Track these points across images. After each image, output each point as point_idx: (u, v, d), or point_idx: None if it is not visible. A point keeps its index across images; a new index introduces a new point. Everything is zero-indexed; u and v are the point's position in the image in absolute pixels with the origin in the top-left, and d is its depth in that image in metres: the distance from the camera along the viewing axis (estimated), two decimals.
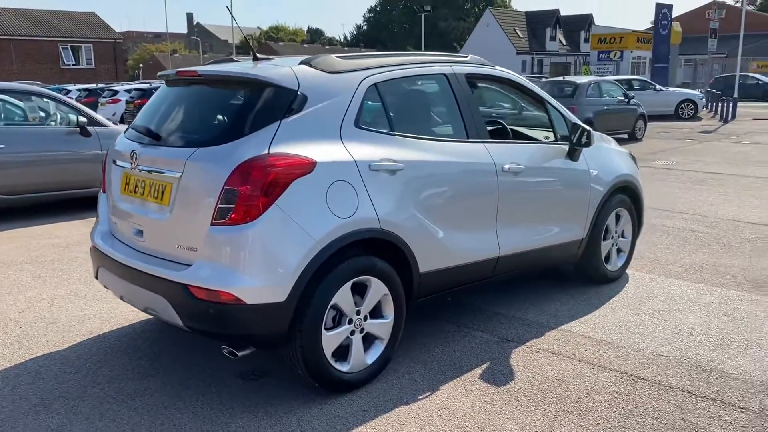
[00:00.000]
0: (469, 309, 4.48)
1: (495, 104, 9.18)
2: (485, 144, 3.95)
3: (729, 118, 21.51)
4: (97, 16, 48.05)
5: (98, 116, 8.19)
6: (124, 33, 78.71)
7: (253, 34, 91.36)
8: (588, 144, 4.42)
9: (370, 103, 3.45)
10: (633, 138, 16.07)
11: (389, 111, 3.55)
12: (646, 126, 16.62)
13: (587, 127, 4.44)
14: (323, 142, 3.16)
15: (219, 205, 2.91)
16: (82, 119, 7.75)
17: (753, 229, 6.79)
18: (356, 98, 3.36)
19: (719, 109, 22.20)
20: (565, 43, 56.00)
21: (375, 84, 3.49)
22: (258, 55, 3.70)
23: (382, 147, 3.37)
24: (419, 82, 4.00)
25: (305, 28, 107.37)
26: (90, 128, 7.80)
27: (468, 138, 3.88)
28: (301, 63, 3.38)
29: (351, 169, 3.17)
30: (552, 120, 4.58)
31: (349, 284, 3.17)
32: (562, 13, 55.88)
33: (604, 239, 4.93)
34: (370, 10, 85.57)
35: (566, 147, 4.51)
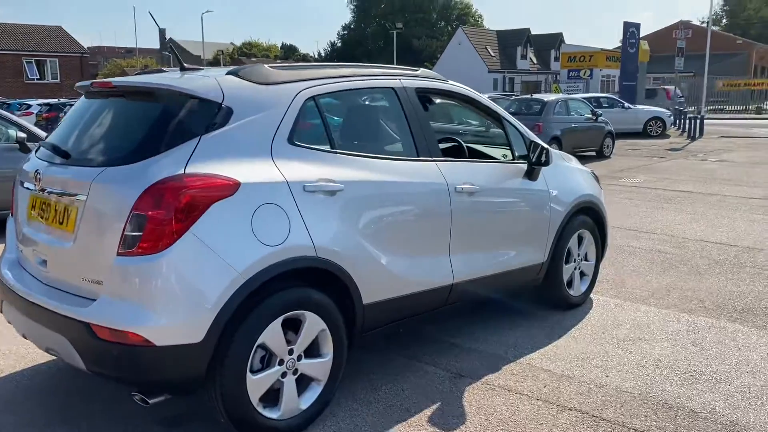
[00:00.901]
0: (423, 339, 4.17)
1: (463, 121, 8.98)
2: (437, 163, 3.66)
3: (696, 135, 21.66)
4: (63, 30, 47.21)
5: (39, 131, 7.74)
6: (95, 48, 77.63)
7: (226, 49, 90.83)
8: (546, 163, 4.16)
9: (307, 117, 3.15)
10: (601, 156, 16.01)
11: (329, 127, 3.24)
12: (614, 144, 16.59)
13: (546, 146, 4.19)
14: (250, 160, 2.84)
15: (126, 233, 2.56)
16: (21, 135, 7.29)
17: (721, 250, 6.60)
18: (291, 112, 3.05)
19: (687, 126, 22.37)
20: (535, 62, 56.53)
21: (313, 97, 3.18)
22: (186, 65, 3.37)
23: (319, 166, 3.06)
24: (364, 96, 3.71)
25: (279, 45, 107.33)
26: (31, 144, 7.35)
27: (418, 156, 3.59)
28: (229, 73, 3.06)
29: (282, 191, 2.85)
30: (509, 138, 4.32)
31: (279, 320, 2.84)
32: (533, 32, 56.52)
33: (566, 263, 4.66)
34: (344, 28, 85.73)
35: (524, 166, 4.25)
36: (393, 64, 50.98)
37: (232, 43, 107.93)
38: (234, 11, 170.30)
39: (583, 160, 15.35)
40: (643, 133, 22.30)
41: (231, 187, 2.69)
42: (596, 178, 5.13)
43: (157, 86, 2.94)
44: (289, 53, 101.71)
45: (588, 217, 4.80)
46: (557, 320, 4.55)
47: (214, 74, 3.06)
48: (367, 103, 3.79)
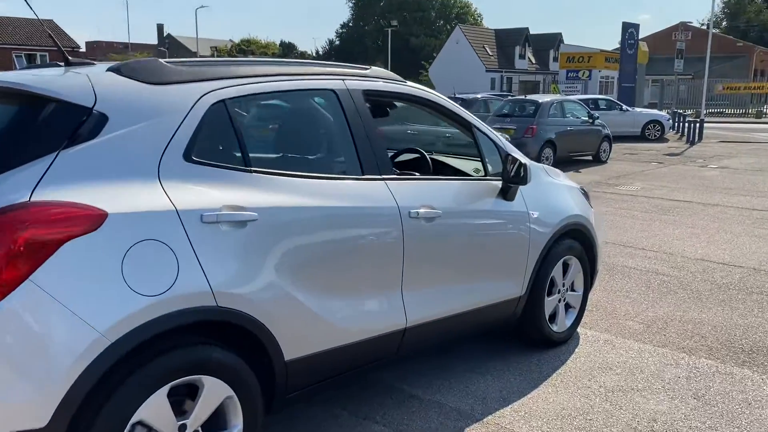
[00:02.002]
0: (376, 388, 3.52)
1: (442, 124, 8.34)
2: (387, 182, 3.02)
3: (695, 140, 21.04)
4: (55, 24, 46.42)
5: None
6: (93, 43, 76.87)
7: (224, 46, 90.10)
8: (524, 180, 3.51)
9: (213, 126, 2.49)
10: (597, 160, 15.37)
11: (244, 139, 2.59)
12: (611, 148, 15.94)
13: (523, 159, 3.54)
14: (127, 183, 2.19)
15: None
16: None
17: (724, 272, 5.96)
18: (190, 120, 2.40)
19: (686, 130, 21.74)
20: (534, 62, 55.87)
21: (223, 100, 2.53)
22: (72, 59, 2.71)
23: (226, 189, 2.41)
24: (294, 100, 3.06)
25: (278, 42, 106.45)
26: None
27: (363, 174, 2.95)
28: (110, 69, 2.41)
29: (169, 222, 2.21)
30: (481, 150, 3.68)
31: (165, 389, 2.20)
32: (532, 31, 55.86)
33: (549, 294, 4.02)
34: (343, 26, 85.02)
35: (499, 183, 3.60)
36: (387, 62, 50.45)
37: (230, 40, 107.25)
38: (234, 8, 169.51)
39: (579, 164, 14.74)
40: (641, 137, 21.66)
41: (93, 219, 2.05)
42: (586, 195, 4.48)
43: (7, 85, 2.28)
44: (287, 51, 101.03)
45: (575, 241, 4.16)
46: (536, 362, 3.90)
47: (90, 71, 2.41)
48: (297, 108, 3.14)
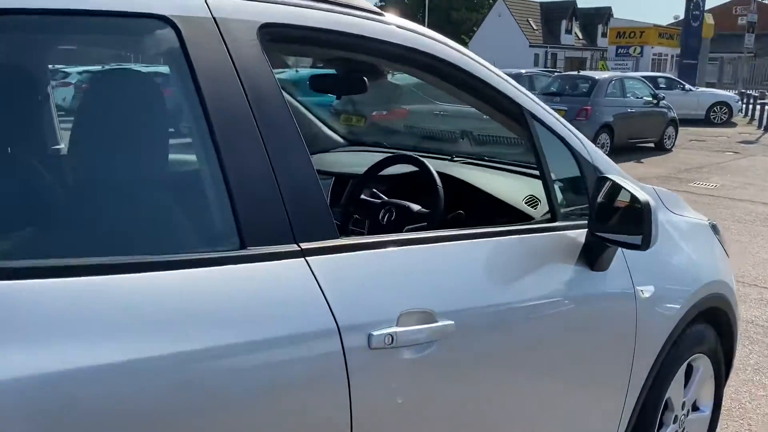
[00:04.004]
0: None
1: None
2: (311, 260, 1.21)
3: None
4: None
5: None
6: None
7: None
8: (645, 243, 1.62)
9: None
10: (661, 148, 13.16)
11: None
12: (677, 134, 13.70)
13: (641, 194, 1.65)
14: None
15: None
16: None
17: None
18: None
19: (758, 114, 19.23)
20: (581, 37, 53.01)
21: None
22: None
23: None
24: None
25: None
26: None
27: (244, 246, 1.13)
28: None
29: None
30: (542, 159, 1.78)
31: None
32: (580, 5, 52.91)
33: (660, 427, 2.15)
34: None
35: (577, 235, 1.75)
36: None
37: None
38: None
39: (639, 153, 12.58)
40: (706, 120, 19.22)
41: None
42: (717, 233, 2.57)
43: None
44: None
45: (709, 327, 2.28)
46: None
47: None
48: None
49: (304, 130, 2.86)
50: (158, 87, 1.28)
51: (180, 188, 1.28)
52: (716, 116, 19.37)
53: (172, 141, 1.24)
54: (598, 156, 1.87)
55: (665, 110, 13.20)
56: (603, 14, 52.79)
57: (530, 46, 47.54)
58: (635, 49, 36.49)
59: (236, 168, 1.14)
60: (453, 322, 1.35)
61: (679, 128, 14.04)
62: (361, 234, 2.11)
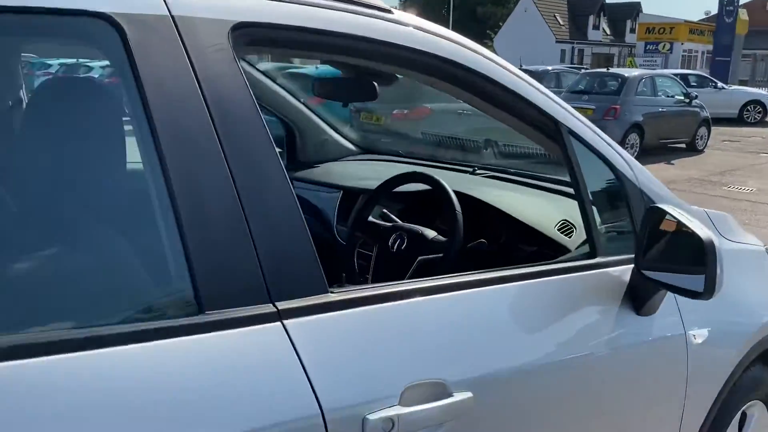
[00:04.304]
0: None
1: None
2: (289, 325, 0.94)
3: None
4: None
5: None
6: None
7: None
8: (708, 291, 1.34)
9: None
10: (692, 149, 12.66)
11: None
12: (709, 134, 13.21)
13: (702, 231, 1.36)
14: None
15: None
16: None
17: None
18: None
19: None
20: (608, 33, 52.09)
21: None
22: None
23: None
24: None
25: None
26: None
27: (202, 310, 0.87)
28: None
29: None
30: (579, 180, 1.49)
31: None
32: (608, 0, 51.96)
33: None
34: None
35: (621, 273, 1.48)
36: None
37: None
38: None
39: (670, 154, 12.13)
40: (739, 119, 18.61)
41: None
42: None
43: None
44: None
45: (766, 369, 1.98)
46: None
47: None
48: None
49: (311, 138, 2.60)
50: (92, 105, 1.03)
51: (113, 233, 1.02)
52: (750, 115, 18.75)
53: (107, 173, 0.99)
54: (646, 180, 1.58)
55: (698, 110, 12.72)
56: (632, 9, 51.81)
57: (556, 42, 46.82)
58: (664, 45, 35.86)
59: (192, 205, 0.89)
60: (471, 394, 1.08)
61: (713, 128, 13.56)
62: (367, 262, 1.85)
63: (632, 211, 1.55)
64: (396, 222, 1.89)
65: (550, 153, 1.60)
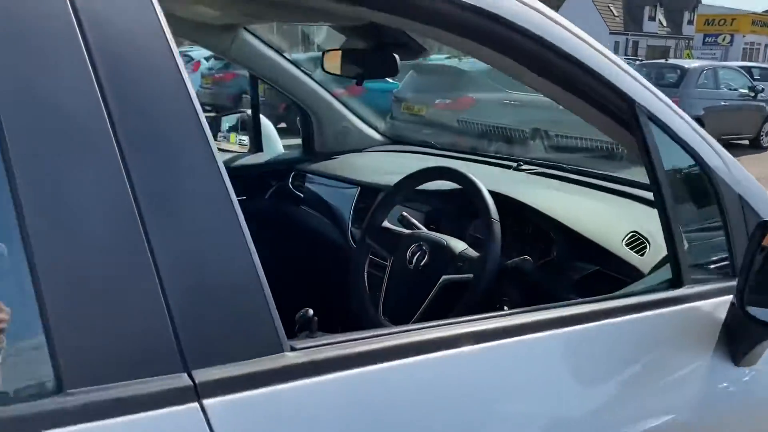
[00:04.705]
0: None
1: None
2: (207, 403, 0.57)
3: None
4: None
5: None
6: None
7: None
8: None
9: None
10: (756, 146, 11.91)
11: None
12: None
13: None
14: None
15: None
16: None
17: None
18: None
19: None
20: (665, 24, 50.56)
21: None
22: None
23: None
24: None
25: None
26: None
27: (60, 390, 0.52)
28: None
29: None
30: (662, 185, 1.09)
31: None
32: None
33: None
34: None
35: (714, 308, 1.08)
36: None
37: None
38: None
39: (732, 150, 11.35)
40: None
41: None
42: None
43: None
44: None
45: None
46: None
47: None
48: None
49: (330, 125, 2.22)
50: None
51: None
52: None
53: None
54: (753, 189, 1.18)
55: (764, 104, 12.01)
56: (690, 1, 50.28)
57: (610, 33, 45.65)
58: (724, 37, 34.84)
59: (54, 220, 0.55)
60: None
61: None
62: (381, 275, 1.49)
63: (729, 225, 1.16)
64: (417, 229, 1.52)
65: (621, 145, 1.21)
